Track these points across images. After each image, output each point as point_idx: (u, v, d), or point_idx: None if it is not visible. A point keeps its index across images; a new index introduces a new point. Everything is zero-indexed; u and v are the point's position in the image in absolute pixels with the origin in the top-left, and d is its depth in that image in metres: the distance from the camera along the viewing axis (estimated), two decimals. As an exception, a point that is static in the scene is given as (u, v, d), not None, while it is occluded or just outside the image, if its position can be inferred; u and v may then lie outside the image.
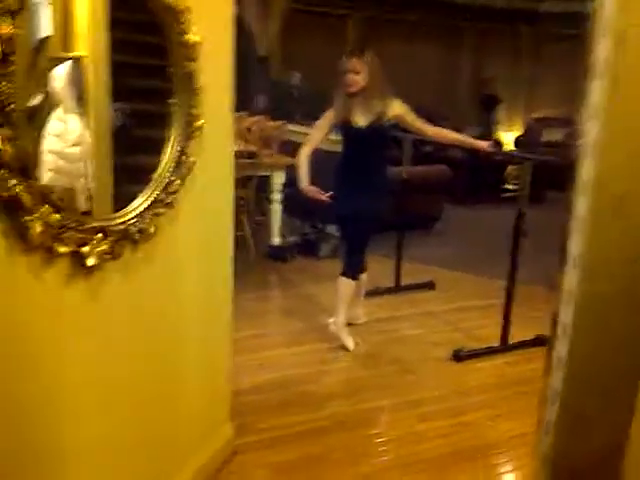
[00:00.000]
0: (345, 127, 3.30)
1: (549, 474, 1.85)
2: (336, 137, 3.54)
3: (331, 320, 3.57)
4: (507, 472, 2.49)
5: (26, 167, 1.27)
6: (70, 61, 1.53)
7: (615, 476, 1.60)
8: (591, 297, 1.72)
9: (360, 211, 3.34)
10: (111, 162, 1.71)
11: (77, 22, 1.52)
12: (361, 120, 3.24)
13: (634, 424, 1.49)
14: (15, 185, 1.24)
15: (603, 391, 1.85)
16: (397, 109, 3.29)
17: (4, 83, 1.18)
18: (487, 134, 8.88)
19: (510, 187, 7.71)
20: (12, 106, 1.20)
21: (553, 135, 9.21)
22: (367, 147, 3.32)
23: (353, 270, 3.46)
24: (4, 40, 1.16)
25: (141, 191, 1.72)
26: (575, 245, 1.68)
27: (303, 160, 3.29)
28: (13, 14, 1.17)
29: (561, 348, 1.75)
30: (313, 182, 3.29)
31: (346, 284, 3.45)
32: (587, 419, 1.91)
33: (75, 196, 1.59)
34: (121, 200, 1.69)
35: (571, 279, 1.70)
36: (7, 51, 1.17)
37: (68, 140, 1.58)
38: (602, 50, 1.72)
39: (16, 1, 1.17)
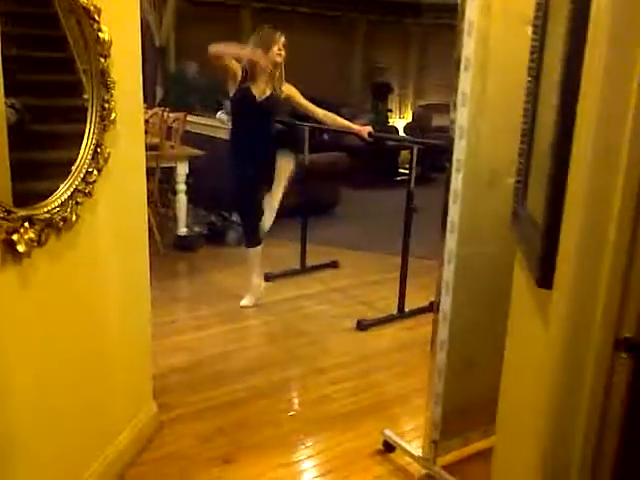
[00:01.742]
0: (244, 97, 3.55)
1: (442, 412, 2.15)
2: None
3: (244, 302, 3.82)
4: (407, 419, 2.78)
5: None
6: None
7: (493, 414, 1.87)
8: (467, 257, 2.03)
9: (249, 180, 3.67)
10: (7, 157, 1.75)
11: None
12: (261, 92, 3.56)
13: (503, 368, 1.76)
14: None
15: (482, 339, 2.17)
16: (290, 90, 3.67)
17: None
18: (380, 121, 9.30)
19: (403, 171, 8.17)
20: None
21: (443, 121, 9.81)
22: (261, 118, 3.62)
23: (253, 238, 3.82)
24: None
25: (61, 182, 1.82)
26: (452, 213, 1.97)
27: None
28: None
29: (445, 303, 2.05)
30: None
31: (252, 252, 3.86)
32: (471, 364, 2.23)
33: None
34: (26, 194, 1.74)
35: (450, 242, 2.00)
36: None
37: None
38: (468, 47, 2.01)
39: None
